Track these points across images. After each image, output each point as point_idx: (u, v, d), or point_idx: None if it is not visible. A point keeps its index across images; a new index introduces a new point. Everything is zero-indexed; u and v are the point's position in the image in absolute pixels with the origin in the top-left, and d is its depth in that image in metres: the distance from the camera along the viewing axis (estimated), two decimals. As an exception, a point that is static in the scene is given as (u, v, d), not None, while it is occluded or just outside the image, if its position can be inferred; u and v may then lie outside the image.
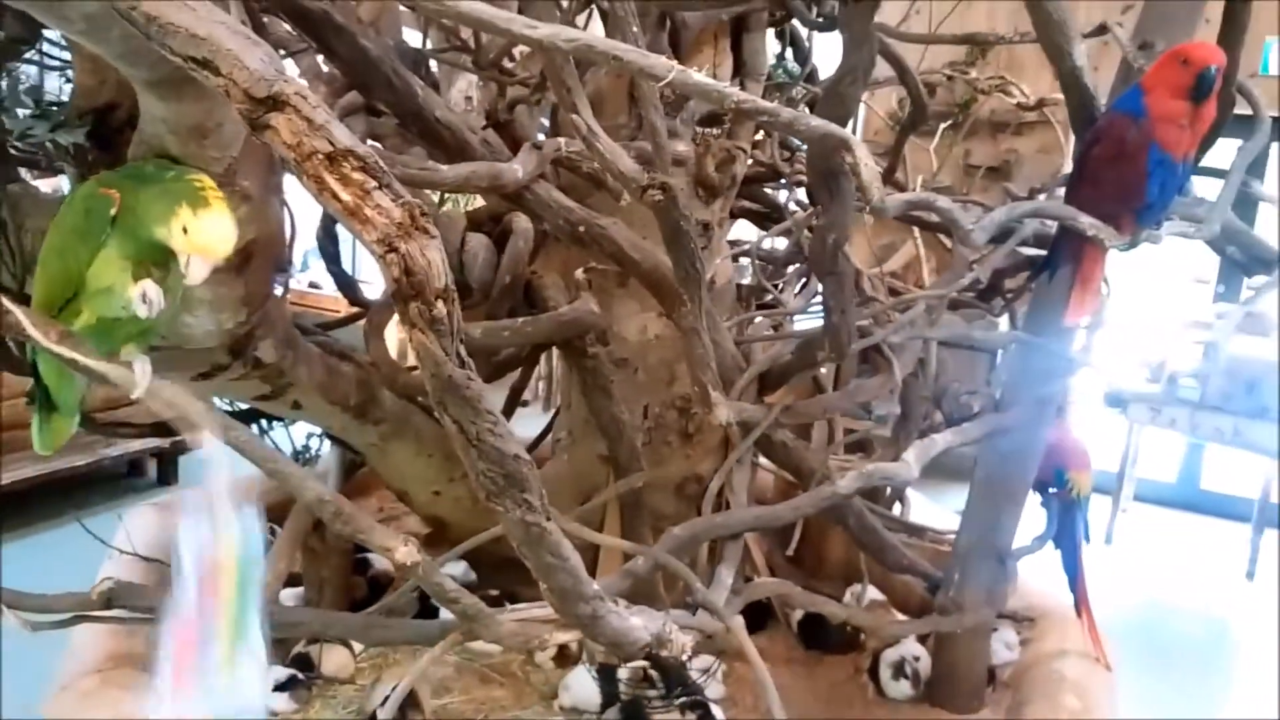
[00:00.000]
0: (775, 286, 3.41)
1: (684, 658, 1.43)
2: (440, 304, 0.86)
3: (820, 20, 2.71)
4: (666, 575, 2.61)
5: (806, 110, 2.32)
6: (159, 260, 1.19)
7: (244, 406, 3.10)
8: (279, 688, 2.62)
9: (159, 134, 1.49)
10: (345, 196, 0.82)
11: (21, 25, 1.45)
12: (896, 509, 3.69)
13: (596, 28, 2.78)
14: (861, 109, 6.16)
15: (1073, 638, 3.03)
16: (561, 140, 1.93)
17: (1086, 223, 1.36)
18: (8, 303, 1.13)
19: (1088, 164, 1.67)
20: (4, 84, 1.51)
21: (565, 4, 2.43)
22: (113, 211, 1.16)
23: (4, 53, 1.47)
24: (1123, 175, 1.57)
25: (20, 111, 1.63)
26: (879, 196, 1.15)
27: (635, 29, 1.49)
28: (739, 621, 1.57)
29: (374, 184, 0.83)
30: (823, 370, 4.45)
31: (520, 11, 1.93)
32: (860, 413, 4.68)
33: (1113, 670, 2.87)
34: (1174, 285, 6.03)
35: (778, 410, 2.07)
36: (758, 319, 3.03)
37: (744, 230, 4.01)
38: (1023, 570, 3.51)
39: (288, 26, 2.16)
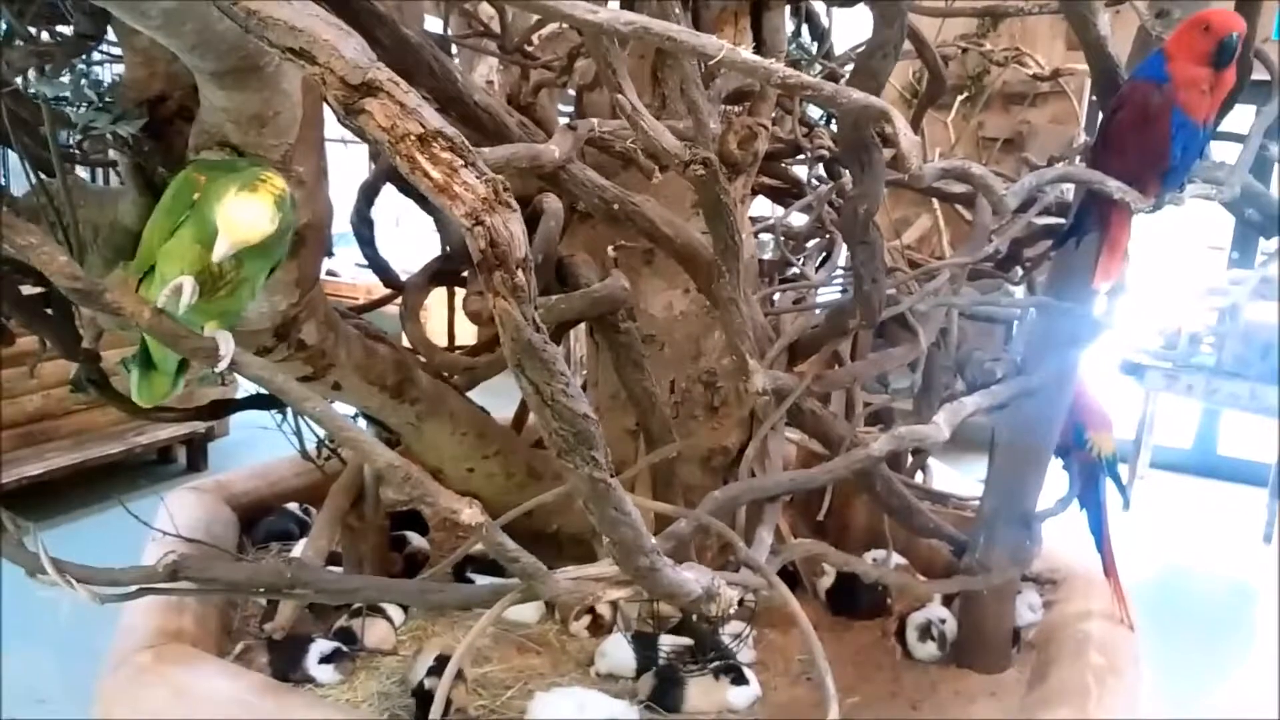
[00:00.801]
0: (797, 261, 3.47)
1: (724, 619, 1.49)
2: (520, 273, 0.92)
3: (838, -3, 2.75)
4: (700, 545, 2.69)
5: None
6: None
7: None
8: (324, 660, 2.72)
9: (219, 123, 1.56)
10: (436, 175, 0.88)
11: (90, 22, 1.52)
12: (919, 478, 3.76)
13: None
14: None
15: (1097, 599, 3.10)
16: (595, 121, 1.99)
17: (1114, 186, 1.41)
18: (103, 282, 1.20)
19: (1112, 130, 1.72)
20: (69, 79, 1.58)
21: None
22: (195, 195, 1.23)
23: (73, 49, 1.54)
24: (1147, 140, 1.62)
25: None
26: (917, 164, 1.21)
27: (678, 10, 1.54)
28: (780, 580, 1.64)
29: (461, 162, 0.89)
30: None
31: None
32: (877, 386, 4.75)
33: (1135, 630, 2.94)
34: (1188, 251, 6.06)
35: (810, 378, 2.13)
36: (780, 293, 3.08)
37: (763, 206, 4.06)
38: (1046, 533, 3.59)
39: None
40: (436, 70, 1.89)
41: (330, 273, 7.67)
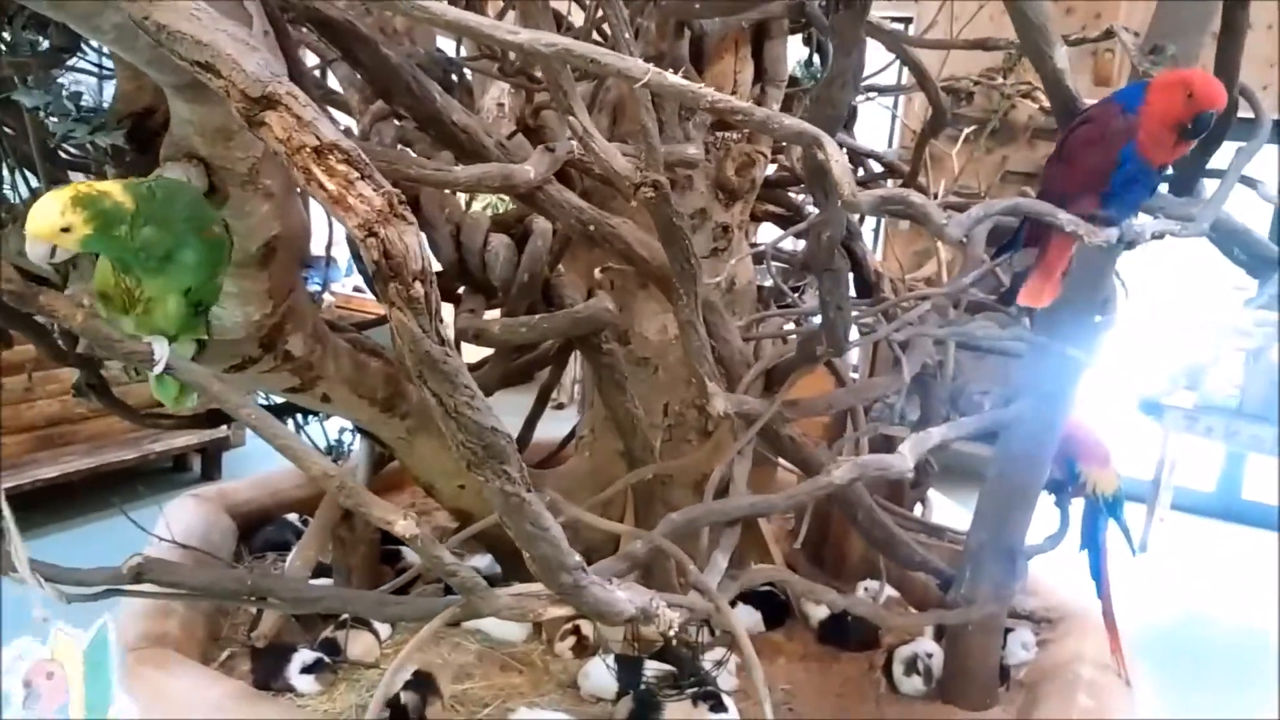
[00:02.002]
0: (796, 289, 3.47)
1: (672, 633, 1.48)
2: (417, 284, 0.94)
3: (838, 27, 2.76)
4: (680, 565, 2.69)
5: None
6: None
7: (278, 400, 3.23)
8: (305, 670, 2.74)
9: (187, 135, 1.60)
10: (330, 186, 0.90)
11: (64, 35, 1.57)
12: (918, 511, 3.73)
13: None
14: (895, 119, 6.19)
15: (1093, 641, 3.04)
16: (574, 143, 2.01)
17: (1065, 219, 1.40)
18: (41, 289, 1.23)
19: (1069, 139, 1.71)
20: (49, 90, 1.63)
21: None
22: None
23: (48, 61, 1.59)
24: (1094, 157, 1.61)
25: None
26: (850, 192, 1.21)
27: (627, 34, 1.56)
28: (728, 603, 1.63)
29: (356, 174, 0.91)
30: (854, 372, 4.50)
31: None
32: (891, 417, 4.72)
33: (1130, 684, 2.87)
34: (1211, 292, 5.96)
35: (778, 403, 2.13)
36: (766, 320, 3.09)
37: (769, 234, 4.06)
38: (1046, 572, 3.53)
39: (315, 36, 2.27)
40: (415, 89, 1.93)
41: (356, 289, 7.79)
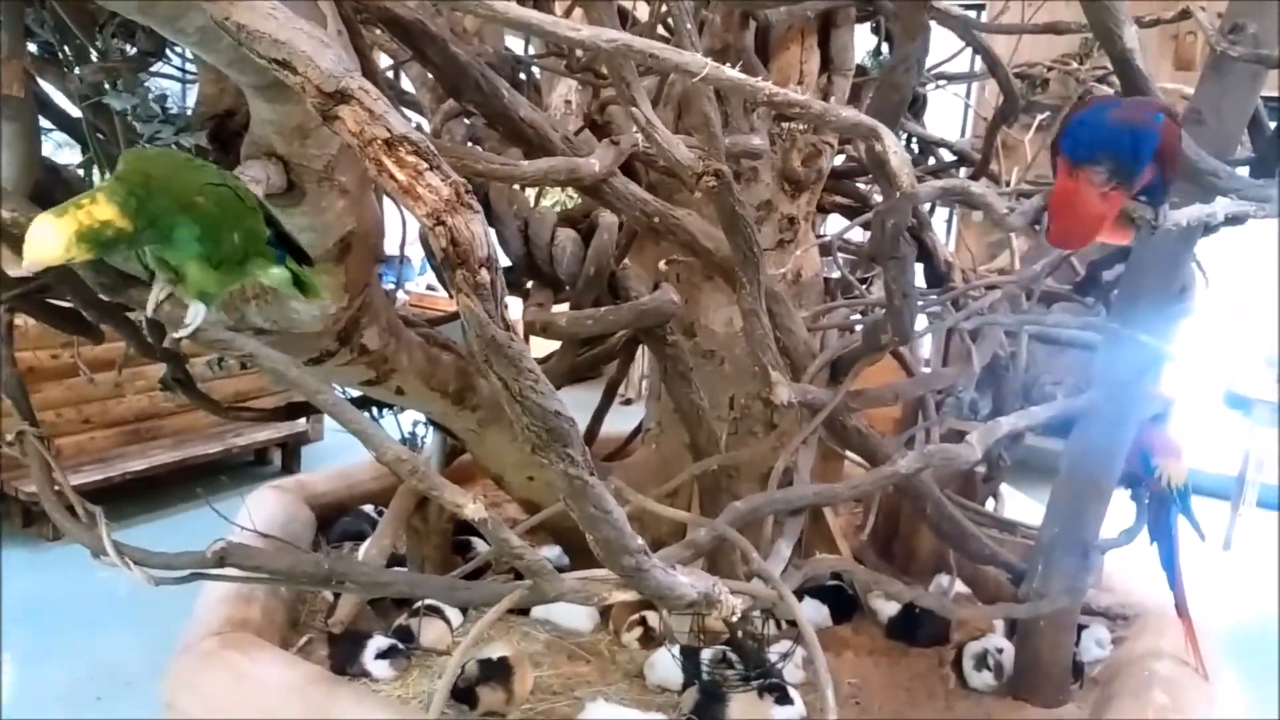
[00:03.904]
0: (864, 280, 3.45)
1: (735, 619, 1.50)
2: (484, 271, 0.97)
3: (905, 15, 2.74)
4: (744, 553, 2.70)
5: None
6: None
7: (354, 394, 3.32)
8: (380, 656, 2.82)
9: (266, 135, 1.66)
10: (400, 177, 0.94)
11: (151, 40, 1.64)
12: (990, 505, 3.68)
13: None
14: (968, 107, 6.09)
15: (1170, 638, 2.97)
16: (639, 135, 2.03)
17: (1129, 206, 1.38)
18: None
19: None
20: (137, 94, 1.70)
21: None
22: None
23: (136, 65, 1.66)
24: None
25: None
26: (909, 183, 1.22)
27: (689, 25, 1.58)
28: (792, 592, 1.63)
29: (425, 165, 0.95)
30: (925, 366, 4.44)
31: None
32: (962, 409, 4.65)
33: (1208, 677, 2.80)
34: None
35: (843, 392, 2.12)
36: (842, 310, 3.07)
37: (837, 225, 4.04)
38: (1123, 568, 3.45)
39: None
40: (483, 86, 1.97)
41: (430, 287, 7.95)
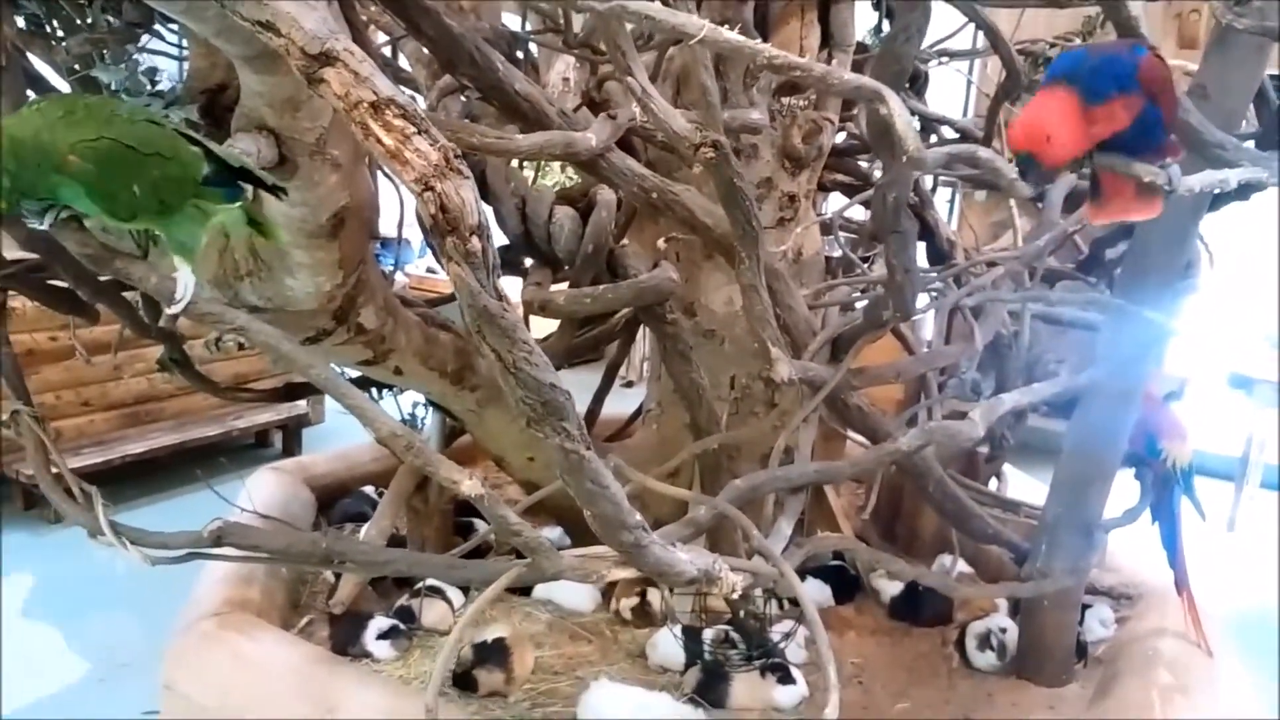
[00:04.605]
0: (865, 259, 3.42)
1: (735, 596, 1.48)
2: (474, 239, 0.95)
3: (907, -11, 2.70)
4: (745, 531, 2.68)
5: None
6: None
7: (353, 375, 3.31)
8: (381, 636, 2.81)
9: (257, 107, 1.64)
10: (388, 141, 0.92)
11: (138, 10, 1.61)
12: (993, 485, 3.66)
13: None
14: (970, 84, 6.04)
15: (1173, 617, 2.96)
16: (636, 109, 2.00)
17: (1140, 169, 1.35)
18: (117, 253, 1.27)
19: None
20: (126, 67, 1.68)
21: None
22: None
23: (124, 37, 1.64)
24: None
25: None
26: (915, 148, 1.19)
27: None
28: (793, 570, 1.62)
29: (413, 129, 0.92)
30: (927, 345, 4.41)
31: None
32: (964, 390, 4.62)
33: (1212, 654, 2.79)
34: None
35: (845, 368, 2.10)
36: (843, 288, 3.04)
37: (838, 203, 4.01)
38: (1127, 548, 3.44)
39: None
40: (478, 60, 1.94)
41: (430, 269, 7.93)
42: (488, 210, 3.10)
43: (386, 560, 1.88)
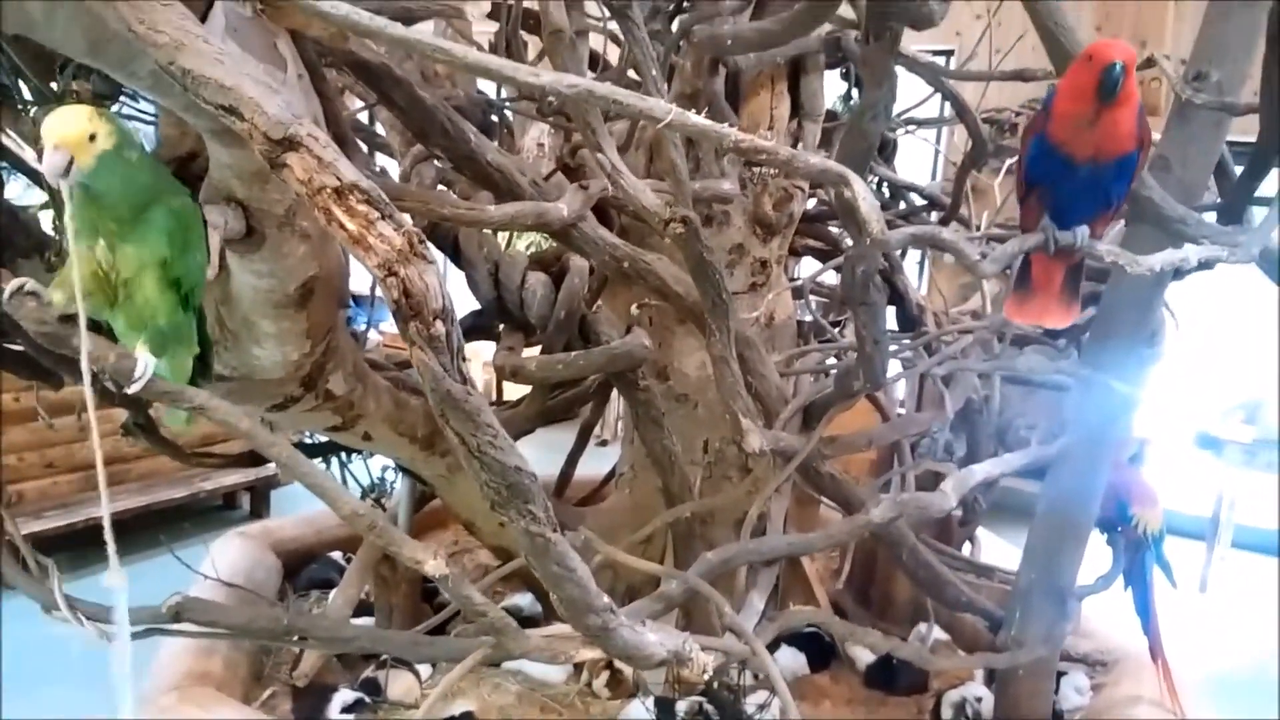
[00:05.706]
0: (836, 324, 3.43)
1: (706, 677, 1.45)
2: (438, 323, 0.94)
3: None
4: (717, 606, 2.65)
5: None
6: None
7: (322, 439, 3.26)
8: (345, 709, 2.73)
9: (225, 179, 1.63)
10: (351, 226, 0.91)
11: (106, 83, 1.61)
12: (966, 550, 3.65)
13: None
14: (938, 152, 6.15)
15: (1148, 684, 2.94)
16: (607, 181, 2.01)
17: (1106, 250, 1.37)
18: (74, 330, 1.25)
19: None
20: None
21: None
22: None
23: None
24: (1020, 157, 1.57)
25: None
26: (879, 230, 1.20)
27: (655, 72, 1.56)
28: (764, 646, 1.59)
29: (377, 214, 0.92)
30: (900, 408, 4.43)
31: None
32: (936, 451, 4.64)
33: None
34: (1265, 323, 5.81)
35: (816, 439, 2.10)
36: (805, 355, 3.06)
37: (810, 268, 4.04)
38: (1100, 613, 3.43)
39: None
40: (450, 130, 1.95)
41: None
42: (459, 275, 3.12)
43: (349, 637, 1.84)
